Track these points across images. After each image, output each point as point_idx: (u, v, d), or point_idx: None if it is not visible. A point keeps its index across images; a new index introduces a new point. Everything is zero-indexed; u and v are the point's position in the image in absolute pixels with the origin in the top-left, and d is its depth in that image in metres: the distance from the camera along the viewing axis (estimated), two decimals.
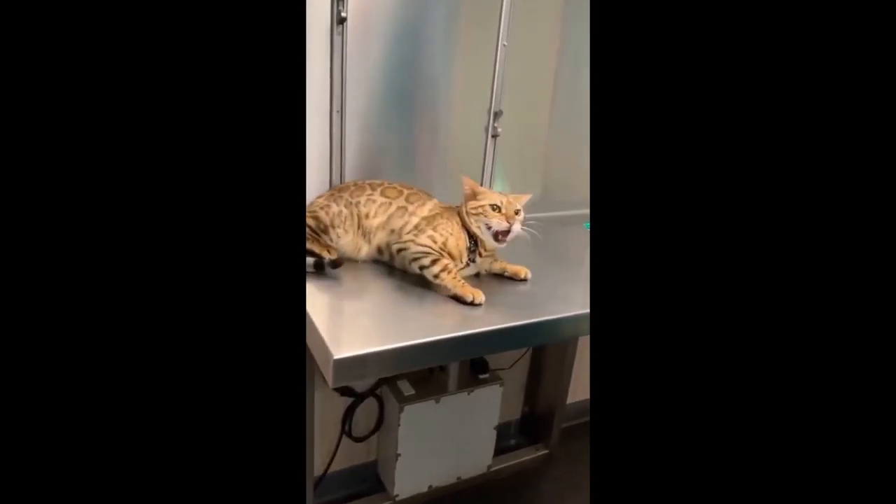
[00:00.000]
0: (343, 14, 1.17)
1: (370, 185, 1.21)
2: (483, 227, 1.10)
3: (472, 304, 1.02)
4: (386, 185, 1.21)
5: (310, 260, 1.13)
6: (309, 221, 1.18)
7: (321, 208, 1.18)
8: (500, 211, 1.09)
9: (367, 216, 1.17)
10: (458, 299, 1.04)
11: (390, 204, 1.17)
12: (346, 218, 1.17)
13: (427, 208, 1.17)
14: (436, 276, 1.05)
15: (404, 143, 1.37)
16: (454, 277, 1.05)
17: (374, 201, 1.18)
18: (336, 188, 1.24)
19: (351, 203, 1.18)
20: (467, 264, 1.13)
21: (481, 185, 1.49)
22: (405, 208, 1.17)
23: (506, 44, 1.38)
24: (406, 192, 1.20)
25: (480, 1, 1.32)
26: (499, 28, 1.36)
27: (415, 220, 1.14)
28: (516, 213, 1.10)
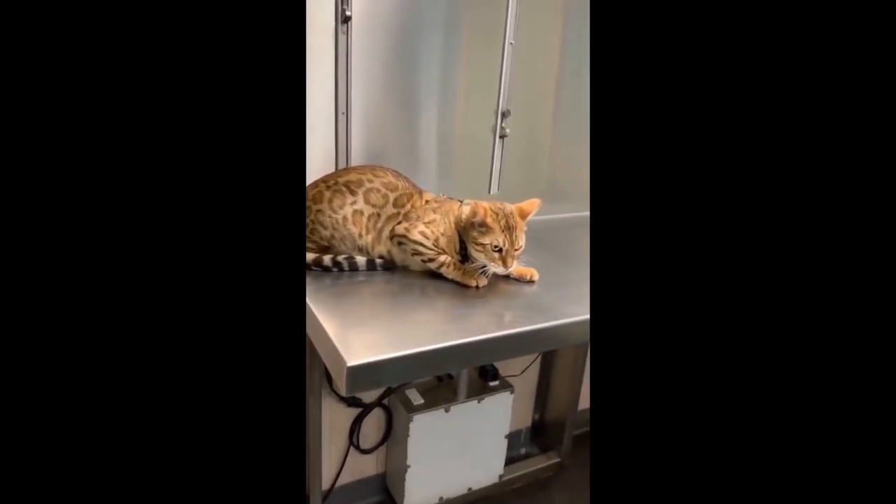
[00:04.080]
0: (348, 13, 1.15)
1: (348, 188, 1.12)
2: (480, 262, 1.06)
3: (476, 288, 1.08)
4: (366, 183, 1.12)
5: (327, 259, 1.11)
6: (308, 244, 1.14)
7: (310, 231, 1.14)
8: (501, 253, 1.04)
9: (359, 236, 1.12)
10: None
11: (378, 215, 1.12)
12: (338, 241, 1.13)
13: (423, 200, 1.13)
14: (437, 269, 1.10)
15: (411, 144, 1.34)
16: (455, 269, 1.09)
17: (360, 213, 1.11)
18: (310, 198, 1.13)
19: (337, 222, 1.11)
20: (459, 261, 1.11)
21: (489, 186, 1.46)
22: (398, 214, 1.11)
23: (513, 42, 1.36)
24: (392, 196, 1.12)
25: None
26: (505, 26, 1.34)
27: (410, 213, 1.11)
28: (517, 249, 1.05)
